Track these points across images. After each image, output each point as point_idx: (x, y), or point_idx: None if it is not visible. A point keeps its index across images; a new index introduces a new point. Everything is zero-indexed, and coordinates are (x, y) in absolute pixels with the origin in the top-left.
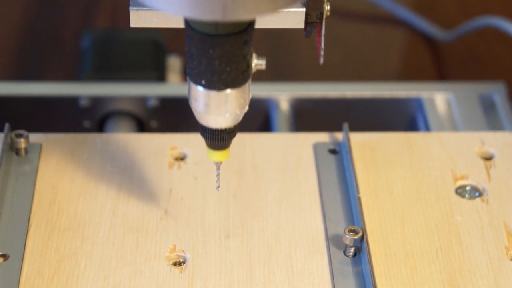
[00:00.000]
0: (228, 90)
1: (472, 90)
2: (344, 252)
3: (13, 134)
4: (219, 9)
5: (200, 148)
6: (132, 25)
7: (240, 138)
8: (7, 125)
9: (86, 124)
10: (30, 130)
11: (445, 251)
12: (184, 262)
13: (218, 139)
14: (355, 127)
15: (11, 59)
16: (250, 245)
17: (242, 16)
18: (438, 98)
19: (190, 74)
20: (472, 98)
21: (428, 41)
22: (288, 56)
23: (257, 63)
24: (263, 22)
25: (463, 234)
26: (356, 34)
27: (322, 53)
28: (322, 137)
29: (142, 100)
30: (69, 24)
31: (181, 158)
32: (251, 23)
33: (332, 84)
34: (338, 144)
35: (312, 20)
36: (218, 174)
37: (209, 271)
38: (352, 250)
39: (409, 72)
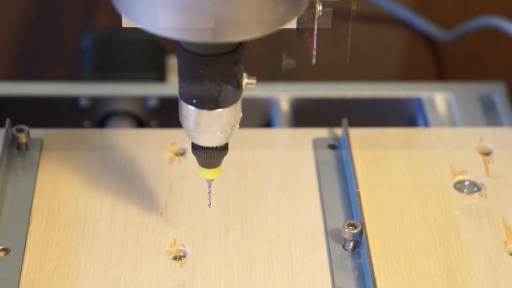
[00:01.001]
0: (219, 110)
1: (472, 90)
2: (343, 246)
3: (14, 129)
4: (209, 31)
5: None
6: (124, 25)
7: (240, 133)
8: (8, 120)
9: (86, 124)
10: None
11: (444, 246)
12: (184, 256)
13: (209, 157)
14: (355, 127)
15: (11, 59)
16: (250, 240)
17: (231, 38)
18: (438, 98)
19: (181, 93)
20: (472, 98)
21: (428, 41)
22: (288, 56)
23: (248, 82)
24: None
25: (462, 228)
26: (356, 34)
27: (314, 53)
28: (322, 132)
29: (142, 100)
30: (69, 24)
31: (181, 154)
32: (242, 43)
33: (332, 84)
34: (337, 139)
35: (304, 20)
36: (209, 192)
37: (209, 265)
38: (351, 244)
39: (409, 72)
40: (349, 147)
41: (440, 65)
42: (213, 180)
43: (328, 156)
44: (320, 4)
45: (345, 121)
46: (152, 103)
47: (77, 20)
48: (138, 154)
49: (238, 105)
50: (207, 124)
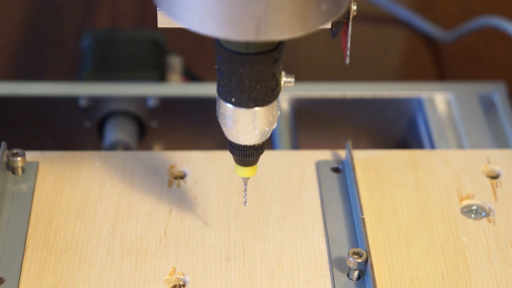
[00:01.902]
0: (257, 108)
1: (472, 90)
2: (348, 275)
3: (9, 153)
4: (252, 29)
5: (200, 166)
6: (160, 25)
7: None
8: (3, 144)
9: (86, 124)
10: (30, 131)
11: (451, 274)
12: (184, 285)
13: (247, 155)
14: (355, 127)
15: (11, 59)
16: (252, 268)
17: (274, 36)
18: (438, 98)
19: (219, 92)
20: (472, 98)
21: (428, 41)
22: (288, 56)
23: (286, 80)
24: None
25: (470, 256)
26: (356, 34)
27: (348, 53)
28: (325, 154)
29: (142, 100)
30: (69, 24)
31: (181, 177)
32: (281, 42)
33: (332, 84)
34: (341, 162)
35: (338, 20)
36: (245, 190)
37: None
38: (356, 273)
39: (409, 72)
40: (353, 171)
41: (440, 65)
42: (249, 178)
43: (332, 180)
44: (355, 4)
45: (349, 143)
46: (152, 103)
47: (77, 20)
48: (137, 177)
49: (276, 103)
50: (245, 122)
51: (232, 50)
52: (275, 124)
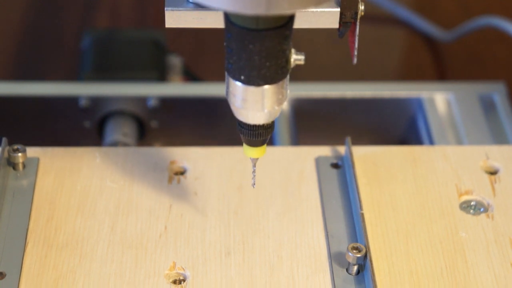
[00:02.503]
0: (267, 86)
1: (472, 90)
2: (347, 270)
3: (10, 149)
4: (263, 2)
5: (200, 162)
6: (167, 25)
7: (241, 152)
8: (4, 140)
9: (86, 124)
10: (30, 131)
11: (450, 269)
12: (184, 280)
13: (256, 135)
14: (355, 127)
15: (11, 59)
16: (251, 263)
17: (285, 9)
18: (438, 98)
19: (228, 69)
20: (472, 98)
21: (428, 41)
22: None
23: (296, 58)
24: (297, 22)
25: (468, 251)
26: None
27: (356, 53)
28: (325, 150)
29: (142, 100)
30: (69, 24)
31: (181, 173)
32: (292, 18)
33: (332, 84)
34: (340, 158)
35: (346, 20)
36: (254, 171)
37: None
38: (355, 268)
39: (409, 72)
40: (352, 166)
41: (440, 65)
42: (258, 159)
43: (331, 176)
44: (362, 4)
45: (348, 140)
46: (152, 103)
47: (77, 20)
48: (137, 173)
49: (286, 82)
50: (254, 101)
51: (242, 26)
52: (285, 103)
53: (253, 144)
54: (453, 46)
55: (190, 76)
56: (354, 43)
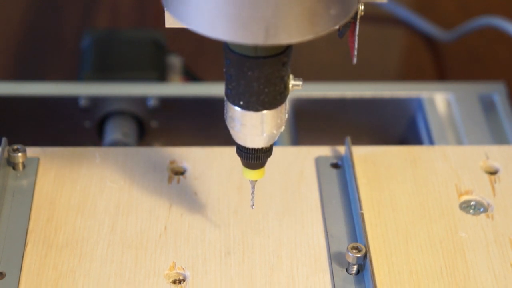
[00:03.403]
0: (265, 111)
1: (472, 90)
2: (347, 270)
3: (10, 149)
4: (261, 33)
5: (200, 162)
6: (167, 25)
7: None
8: (4, 140)
9: (86, 124)
10: (30, 131)
11: (450, 269)
12: (184, 280)
13: (254, 158)
14: (355, 127)
15: (11, 59)
16: (251, 263)
17: (283, 40)
18: (438, 98)
19: (227, 95)
20: (472, 98)
21: (428, 41)
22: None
23: (294, 83)
24: None
25: (468, 251)
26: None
27: (356, 53)
28: (324, 150)
29: (142, 100)
30: (69, 24)
31: (181, 173)
32: (290, 45)
33: (332, 84)
34: (340, 158)
35: None
36: (253, 193)
37: None
38: (355, 268)
39: (409, 72)
40: (352, 166)
41: (440, 65)
42: (256, 181)
43: (331, 175)
44: (362, 4)
45: (348, 139)
46: (152, 103)
47: (77, 20)
48: (137, 173)
49: (284, 107)
50: (253, 126)
51: (241, 53)
52: (283, 127)
53: (252, 167)
54: (453, 46)
55: (190, 76)
56: (354, 43)
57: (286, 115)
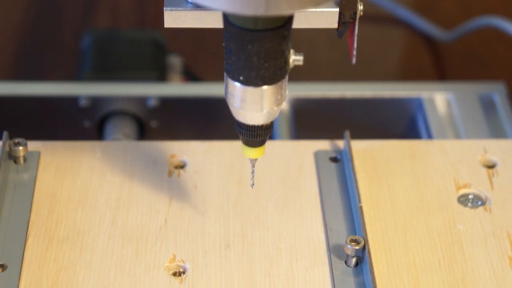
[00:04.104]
0: (265, 86)
1: (472, 90)
2: (346, 262)
3: (11, 142)
4: (262, 3)
5: (200, 156)
6: (166, 25)
7: (240, 146)
8: (5, 133)
9: (86, 124)
10: (30, 131)
11: (448, 261)
12: (184, 272)
13: (255, 135)
14: (355, 127)
15: (11, 59)
16: (251, 255)
17: (284, 10)
18: (438, 98)
19: (227, 70)
20: (472, 98)
21: (428, 41)
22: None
23: (295, 58)
24: (296, 22)
25: (466, 244)
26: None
27: (355, 53)
28: (323, 145)
29: (142, 100)
30: (69, 24)
31: (181, 166)
32: (290, 18)
33: (332, 84)
34: (339, 152)
35: (345, 20)
36: (253, 172)
37: (209, 282)
38: (354, 260)
39: (409, 72)
40: (351, 160)
41: (440, 65)
42: (256, 159)
43: (330, 169)
44: (361, 3)
45: (347, 133)
46: (152, 103)
47: (77, 20)
48: (137, 167)
49: (284, 82)
50: (253, 101)
51: (241, 26)
52: (284, 104)
53: (252, 144)
54: (453, 46)
55: (190, 76)
56: (353, 43)
57: (287, 91)
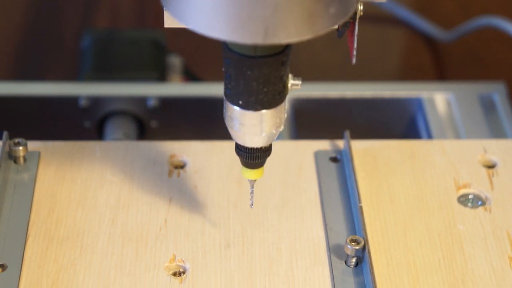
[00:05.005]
0: (264, 110)
1: (472, 90)
2: (346, 262)
3: (11, 142)
4: (260, 33)
5: (200, 156)
6: (166, 25)
7: None
8: (5, 133)
9: (86, 124)
10: (30, 130)
11: (448, 261)
12: (184, 272)
13: (254, 157)
14: (355, 127)
15: (11, 59)
16: (251, 255)
17: (282, 40)
18: (438, 98)
19: (227, 95)
20: (472, 98)
21: (428, 41)
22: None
23: (293, 83)
24: None
25: (466, 244)
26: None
27: (355, 53)
28: (323, 145)
29: (142, 100)
30: (69, 24)
31: (181, 166)
32: (289, 45)
33: (332, 84)
34: (339, 152)
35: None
36: (252, 192)
37: (209, 282)
38: (354, 260)
39: (409, 72)
40: (351, 160)
41: (440, 65)
42: (255, 180)
43: (330, 169)
44: (361, 4)
45: (347, 133)
46: (152, 103)
47: (77, 20)
48: (137, 167)
49: (283, 106)
50: (252, 125)
51: (240, 53)
52: (282, 127)
53: (251, 166)
54: (453, 46)
55: (190, 76)
56: (353, 43)
57: (285, 114)
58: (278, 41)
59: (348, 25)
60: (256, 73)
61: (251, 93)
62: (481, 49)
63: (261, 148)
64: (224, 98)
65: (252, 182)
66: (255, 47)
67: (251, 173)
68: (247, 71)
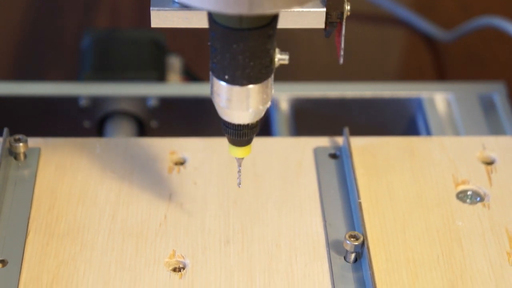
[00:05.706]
0: (251, 85)
1: (472, 90)
2: (345, 258)
3: (12, 139)
4: (245, 2)
5: (199, 152)
6: (153, 25)
7: None
8: (6, 130)
9: (86, 124)
10: (30, 130)
11: (447, 257)
12: (183, 268)
13: (240, 134)
14: (355, 127)
15: (11, 59)
16: (250, 251)
17: (268, 9)
18: (438, 98)
19: (213, 69)
20: (472, 98)
21: (428, 41)
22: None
23: (280, 57)
24: (283, 22)
25: (465, 239)
26: (356, 34)
27: (342, 53)
28: (323, 141)
29: (142, 100)
30: (69, 24)
31: (181, 163)
32: (275, 17)
33: (332, 84)
34: (338, 148)
35: (332, 20)
36: (239, 171)
37: (209, 277)
38: (353, 256)
39: (409, 72)
40: (350, 157)
41: (440, 65)
42: (243, 158)
43: (329, 166)
44: (348, 4)
45: (346, 130)
46: (152, 103)
47: (77, 20)
48: (137, 163)
49: (270, 81)
50: (239, 101)
51: (226, 25)
52: (269, 103)
53: (238, 144)
54: (453, 46)
55: (190, 76)
56: (340, 43)
57: (272, 90)
58: (263, 11)
59: (335, 25)
60: (242, 46)
61: (237, 67)
62: (481, 49)
63: (248, 124)
64: (210, 73)
65: (240, 161)
66: (240, 19)
67: (238, 151)
68: (233, 44)
